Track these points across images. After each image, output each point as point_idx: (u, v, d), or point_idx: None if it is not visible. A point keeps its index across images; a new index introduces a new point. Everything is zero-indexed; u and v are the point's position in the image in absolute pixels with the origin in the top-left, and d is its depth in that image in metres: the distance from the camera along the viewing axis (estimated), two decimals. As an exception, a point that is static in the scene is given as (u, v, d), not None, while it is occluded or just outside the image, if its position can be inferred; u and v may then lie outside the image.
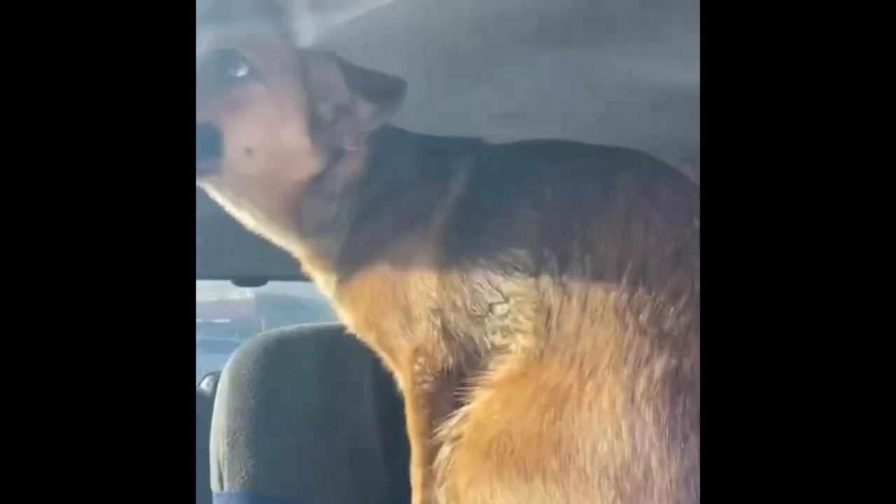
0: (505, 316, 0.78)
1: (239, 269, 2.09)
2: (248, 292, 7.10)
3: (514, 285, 0.77)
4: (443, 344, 0.82)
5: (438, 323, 0.82)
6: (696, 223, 0.73)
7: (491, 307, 0.79)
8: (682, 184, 0.80)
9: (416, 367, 0.84)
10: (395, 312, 0.84)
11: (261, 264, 2.07)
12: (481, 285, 0.79)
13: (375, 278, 0.86)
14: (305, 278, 1.06)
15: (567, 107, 1.09)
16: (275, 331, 1.26)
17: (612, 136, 0.85)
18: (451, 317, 0.81)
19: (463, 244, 0.81)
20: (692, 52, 0.56)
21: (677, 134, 1.13)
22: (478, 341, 0.80)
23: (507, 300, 0.78)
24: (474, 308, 0.79)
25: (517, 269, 0.77)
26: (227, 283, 2.26)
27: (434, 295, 0.81)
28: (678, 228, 0.74)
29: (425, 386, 0.84)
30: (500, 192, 0.81)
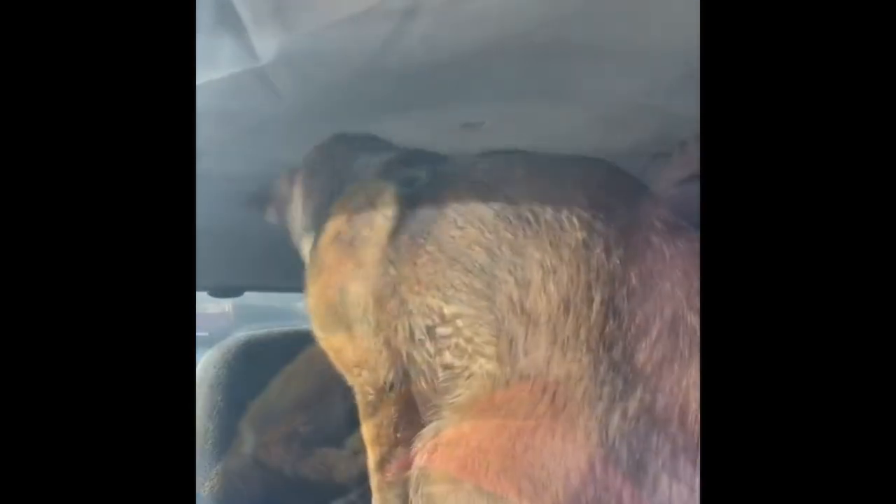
0: (449, 336, 0.76)
1: (214, 280, 2.07)
2: (226, 305, 7.00)
3: (458, 307, 0.76)
4: (384, 360, 0.83)
5: (381, 339, 0.82)
6: (655, 241, 0.73)
7: (430, 330, 0.78)
8: (640, 195, 0.79)
9: (360, 380, 0.86)
10: (340, 328, 0.86)
11: (237, 275, 2.06)
12: (418, 309, 0.78)
13: (326, 291, 0.87)
14: (282, 289, 1.06)
15: (538, 118, 1.10)
16: (243, 334, 1.26)
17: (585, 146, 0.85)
18: (393, 337, 0.81)
19: (401, 268, 0.80)
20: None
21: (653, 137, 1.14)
22: (423, 362, 0.79)
23: (449, 323, 0.76)
24: (412, 331, 0.79)
25: (461, 292, 0.76)
26: (205, 297, 2.24)
27: (373, 317, 0.82)
28: (639, 250, 0.73)
29: (370, 398, 0.85)
30: (443, 207, 0.79)
